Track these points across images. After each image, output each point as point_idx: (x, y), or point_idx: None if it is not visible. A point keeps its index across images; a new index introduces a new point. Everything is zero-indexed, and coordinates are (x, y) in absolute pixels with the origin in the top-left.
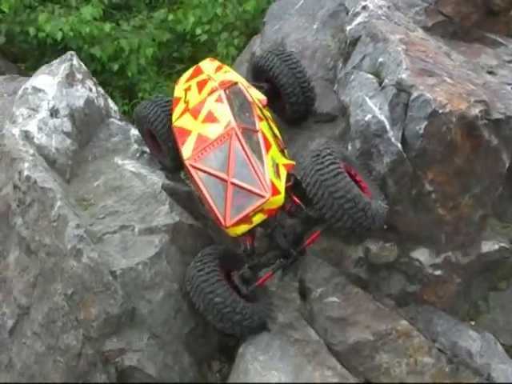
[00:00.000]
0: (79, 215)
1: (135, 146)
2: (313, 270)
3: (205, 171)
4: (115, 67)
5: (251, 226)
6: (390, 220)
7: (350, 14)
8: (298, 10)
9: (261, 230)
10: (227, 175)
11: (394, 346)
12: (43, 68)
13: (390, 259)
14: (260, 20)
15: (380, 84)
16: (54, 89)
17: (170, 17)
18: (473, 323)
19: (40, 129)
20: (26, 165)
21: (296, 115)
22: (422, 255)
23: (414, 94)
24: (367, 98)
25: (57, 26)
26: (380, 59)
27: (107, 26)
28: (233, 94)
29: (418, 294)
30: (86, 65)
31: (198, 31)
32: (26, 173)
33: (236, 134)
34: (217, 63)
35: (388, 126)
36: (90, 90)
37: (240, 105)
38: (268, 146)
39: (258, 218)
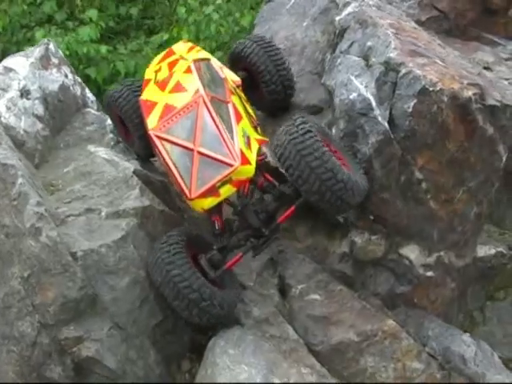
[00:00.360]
0: (43, 197)
1: (110, 136)
2: (294, 266)
3: (170, 141)
4: None
5: (219, 199)
6: (376, 209)
7: (340, 5)
8: (288, 10)
9: (230, 210)
10: (193, 144)
11: (380, 348)
12: (19, 53)
13: (378, 255)
14: None
15: (367, 65)
16: (26, 69)
17: (165, 36)
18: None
19: (8, 108)
20: None
21: (274, 104)
22: (412, 253)
23: (403, 71)
24: (353, 77)
25: None
26: (368, 43)
27: (104, 48)
28: (204, 66)
29: (407, 296)
30: None
31: None
32: None
33: (204, 102)
34: (189, 44)
35: (374, 104)
36: (66, 76)
37: (211, 78)
38: (239, 118)
39: (226, 190)
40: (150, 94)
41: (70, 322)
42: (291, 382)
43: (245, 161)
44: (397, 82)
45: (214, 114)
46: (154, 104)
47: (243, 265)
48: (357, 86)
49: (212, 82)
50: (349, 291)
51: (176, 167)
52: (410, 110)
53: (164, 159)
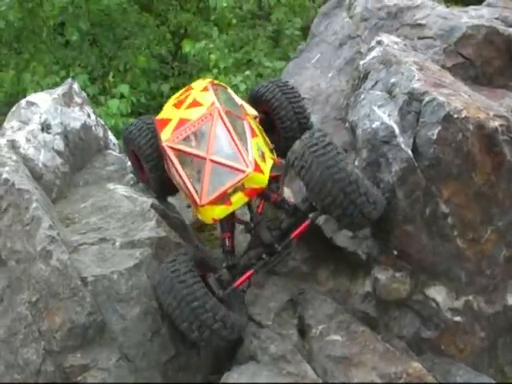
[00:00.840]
0: (57, 225)
1: (130, 176)
2: (314, 306)
3: (183, 151)
4: None
5: (230, 208)
6: (400, 243)
7: (364, 50)
8: (313, 64)
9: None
10: (206, 153)
11: None
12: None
13: (402, 294)
14: None
15: (391, 96)
16: (49, 104)
17: None
18: None
19: (28, 140)
20: (7, 169)
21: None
22: (438, 294)
23: (427, 99)
24: (375, 108)
25: None
26: (392, 80)
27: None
28: (221, 89)
29: (434, 341)
30: None
31: None
32: (4, 175)
33: (219, 113)
34: (208, 79)
35: (397, 131)
36: (89, 116)
37: (227, 99)
38: (254, 134)
39: (238, 199)
40: (165, 113)
41: (77, 349)
42: None
43: (258, 169)
44: (420, 111)
45: (228, 125)
46: (168, 120)
47: (261, 304)
48: (379, 115)
49: (228, 101)
50: (371, 333)
51: (187, 176)
52: (435, 137)
53: (176, 170)
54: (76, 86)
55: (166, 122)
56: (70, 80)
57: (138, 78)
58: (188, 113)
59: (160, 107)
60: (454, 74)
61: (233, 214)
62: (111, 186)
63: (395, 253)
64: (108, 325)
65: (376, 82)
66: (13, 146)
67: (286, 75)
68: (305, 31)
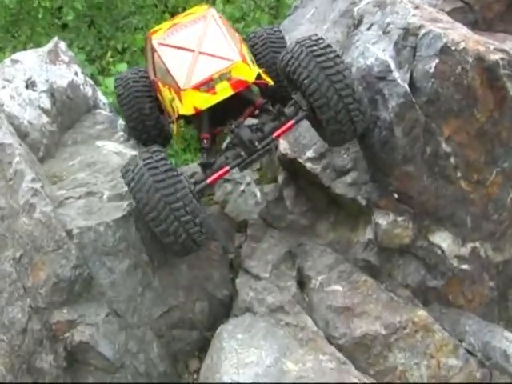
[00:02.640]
0: (42, 180)
1: (121, 133)
2: (314, 257)
3: (172, 45)
4: None
5: (214, 98)
6: (401, 185)
7: None
8: (309, 19)
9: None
10: (196, 47)
11: (412, 342)
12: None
13: (405, 240)
14: None
15: (385, 32)
16: (33, 61)
17: None
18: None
19: (12, 97)
20: None
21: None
22: (443, 241)
23: (422, 32)
24: (369, 45)
25: None
26: (387, 20)
27: None
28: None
29: (441, 291)
30: None
31: None
32: None
33: (213, 16)
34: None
35: (393, 66)
36: (76, 74)
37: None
38: (245, 46)
39: (222, 89)
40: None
41: (63, 305)
42: (307, 367)
43: (245, 62)
44: (417, 46)
45: (221, 26)
46: (160, 28)
47: (258, 257)
48: (374, 51)
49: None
50: (374, 282)
51: (174, 65)
52: (432, 70)
53: (162, 61)
54: (62, 45)
55: (158, 30)
56: (55, 39)
57: (136, 58)
58: (181, 19)
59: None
60: (452, 18)
61: (214, 115)
62: (100, 143)
63: (396, 196)
64: (95, 279)
65: (371, 25)
66: None
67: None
68: None
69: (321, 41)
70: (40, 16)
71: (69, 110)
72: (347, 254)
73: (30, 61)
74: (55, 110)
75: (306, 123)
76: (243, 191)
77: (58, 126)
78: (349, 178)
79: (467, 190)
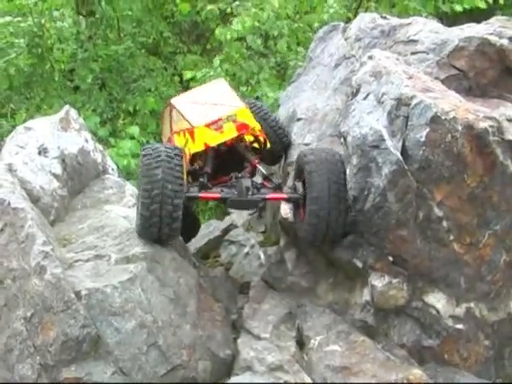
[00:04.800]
0: (52, 243)
1: (129, 198)
2: (313, 318)
3: (187, 101)
4: None
5: (221, 136)
6: (395, 249)
7: (357, 66)
8: (311, 86)
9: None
10: (208, 100)
11: None
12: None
13: (400, 301)
14: None
15: (379, 102)
16: (45, 129)
17: None
18: None
19: (25, 163)
20: (3, 189)
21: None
22: (438, 302)
23: (414, 102)
24: (364, 115)
25: None
26: (382, 90)
27: None
28: None
29: (436, 350)
30: None
31: None
32: (0, 196)
33: (222, 81)
34: None
35: (386, 135)
36: (86, 141)
37: None
38: None
39: (229, 129)
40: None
41: (71, 363)
42: None
43: (249, 112)
44: (409, 115)
45: (228, 87)
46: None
47: (259, 318)
48: (368, 121)
49: None
50: (371, 342)
51: (188, 112)
52: (423, 139)
53: (179, 111)
54: (73, 112)
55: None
56: (66, 106)
57: (147, 120)
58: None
59: None
60: (447, 85)
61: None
62: (108, 207)
63: (390, 259)
64: (102, 338)
65: (367, 95)
66: (10, 169)
67: (284, 99)
68: None
69: (337, 155)
70: (56, 79)
71: (79, 176)
72: (345, 315)
73: (43, 128)
74: (66, 175)
75: None
76: (247, 253)
77: (68, 191)
78: (346, 241)
79: (460, 252)
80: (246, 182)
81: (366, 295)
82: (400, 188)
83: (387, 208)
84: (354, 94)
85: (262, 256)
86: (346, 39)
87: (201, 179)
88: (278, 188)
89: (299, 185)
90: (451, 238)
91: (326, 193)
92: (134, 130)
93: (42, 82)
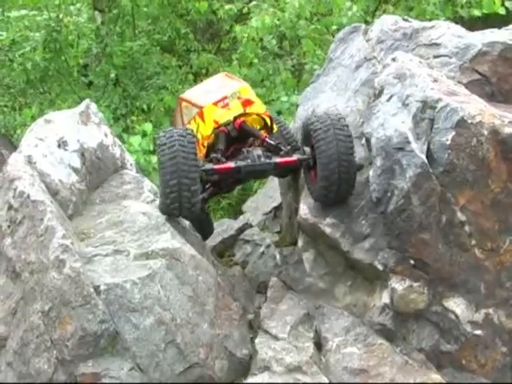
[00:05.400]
0: (71, 237)
1: (147, 194)
2: (331, 320)
3: (195, 92)
4: None
5: (229, 113)
6: (417, 252)
7: (379, 68)
8: (331, 87)
9: None
10: (214, 87)
11: None
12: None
13: (420, 305)
14: None
15: (404, 104)
16: (65, 122)
17: None
18: None
19: (44, 156)
20: (22, 182)
21: None
22: (457, 307)
23: (440, 105)
24: (389, 117)
25: None
26: (407, 92)
27: (155, 159)
28: None
29: (454, 355)
30: None
31: None
32: (20, 188)
33: (227, 74)
34: None
35: (411, 137)
36: (106, 135)
37: None
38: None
39: (235, 106)
40: None
41: (89, 358)
42: None
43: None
44: (434, 118)
45: (233, 76)
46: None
47: (277, 318)
48: (393, 123)
49: None
50: (389, 345)
51: (196, 98)
52: (449, 142)
53: (187, 100)
54: (93, 106)
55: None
56: (87, 100)
57: (161, 117)
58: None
59: None
60: (469, 90)
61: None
62: (127, 203)
63: (412, 262)
64: (120, 334)
65: (391, 96)
66: (29, 161)
67: (303, 100)
68: None
69: (342, 120)
70: (75, 74)
71: (97, 170)
72: (363, 318)
73: (63, 121)
74: (85, 169)
75: None
76: (263, 253)
77: (86, 185)
78: (367, 244)
79: (481, 257)
80: (257, 151)
81: (385, 298)
82: (424, 191)
83: (410, 211)
84: (377, 96)
85: (278, 256)
86: (367, 41)
87: (214, 155)
88: (287, 154)
89: (307, 149)
90: (473, 242)
91: (335, 157)
92: (147, 126)
93: (58, 77)
